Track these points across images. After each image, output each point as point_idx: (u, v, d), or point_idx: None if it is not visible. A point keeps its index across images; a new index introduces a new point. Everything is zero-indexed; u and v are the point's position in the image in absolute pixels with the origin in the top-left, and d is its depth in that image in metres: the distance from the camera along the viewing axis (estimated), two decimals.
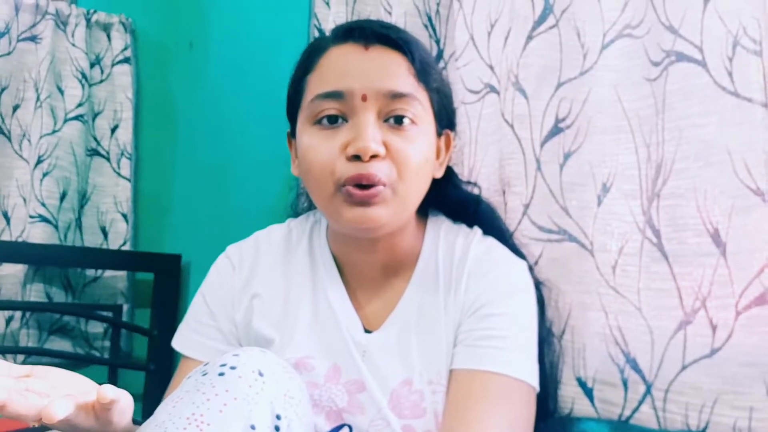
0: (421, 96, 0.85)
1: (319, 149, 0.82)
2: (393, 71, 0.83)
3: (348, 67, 0.83)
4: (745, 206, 0.77)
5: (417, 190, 0.85)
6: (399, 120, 0.82)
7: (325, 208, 0.85)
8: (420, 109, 0.84)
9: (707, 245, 0.80)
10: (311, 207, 1.04)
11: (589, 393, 0.91)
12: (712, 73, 0.80)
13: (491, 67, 1.09)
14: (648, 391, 0.83)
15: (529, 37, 1.00)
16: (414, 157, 0.82)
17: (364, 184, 0.79)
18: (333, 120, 0.82)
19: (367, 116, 0.81)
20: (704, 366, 0.78)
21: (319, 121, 0.83)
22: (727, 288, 0.78)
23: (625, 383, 0.86)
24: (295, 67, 0.91)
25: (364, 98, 0.81)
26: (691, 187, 0.82)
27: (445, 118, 0.91)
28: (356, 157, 0.79)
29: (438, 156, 0.91)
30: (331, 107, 0.82)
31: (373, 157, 0.79)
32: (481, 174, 1.08)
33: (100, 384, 0.65)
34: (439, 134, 0.90)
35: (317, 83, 0.84)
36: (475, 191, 1.01)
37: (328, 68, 0.85)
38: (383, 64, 0.84)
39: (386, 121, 0.82)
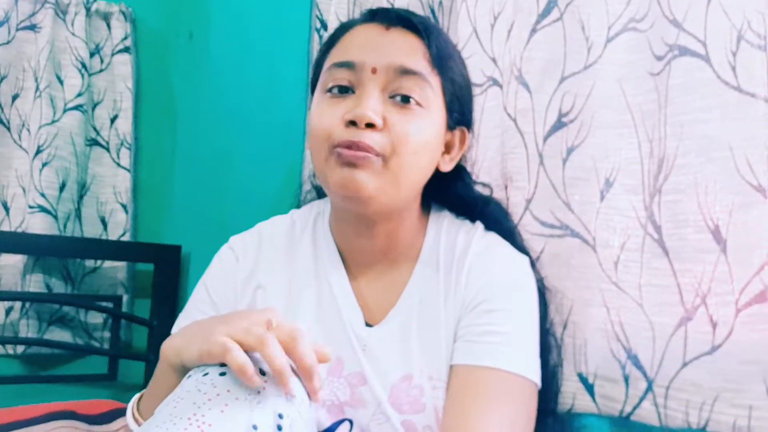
0: (433, 81, 0.85)
1: (323, 114, 0.84)
2: (407, 50, 0.84)
3: (365, 43, 0.86)
4: (746, 203, 0.76)
5: (413, 171, 0.84)
6: (405, 99, 0.83)
7: (319, 173, 0.86)
8: (429, 93, 0.84)
9: (708, 241, 0.79)
10: (315, 197, 1.04)
11: (590, 389, 0.90)
12: (715, 68, 0.79)
13: (494, 60, 1.08)
14: (649, 388, 0.83)
15: (533, 31, 0.99)
16: (412, 136, 0.82)
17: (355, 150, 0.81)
18: (343, 90, 0.84)
19: (372, 87, 0.82)
20: (704, 363, 0.78)
21: (330, 90, 0.85)
22: (727, 285, 0.77)
23: (626, 379, 0.86)
24: (323, 44, 0.93)
25: (373, 71, 0.83)
26: (693, 183, 0.81)
27: (458, 111, 0.89)
28: (353, 123, 0.81)
29: (449, 150, 0.91)
30: (342, 77, 0.84)
31: (370, 126, 0.80)
32: (483, 168, 1.08)
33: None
34: (451, 127, 0.89)
35: (335, 54, 0.87)
36: (486, 191, 1.00)
37: (348, 42, 0.87)
38: (399, 43, 0.85)
39: (393, 97, 0.83)
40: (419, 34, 0.86)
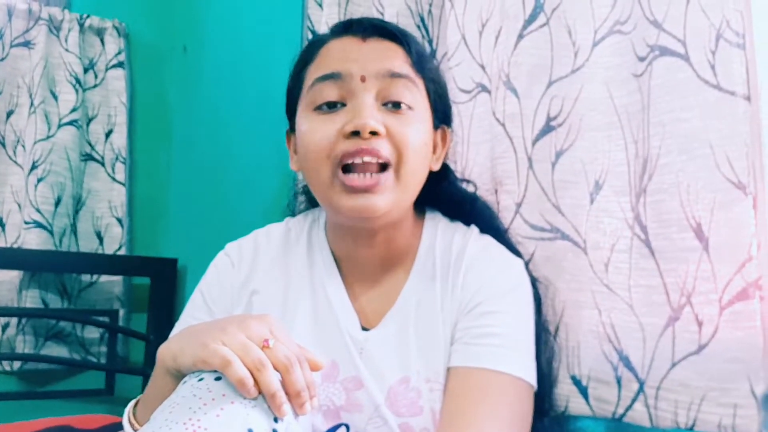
0: (418, 83, 0.86)
1: (318, 132, 0.83)
2: (390, 56, 0.86)
3: (347, 54, 0.85)
4: (727, 200, 0.76)
5: (417, 175, 0.86)
6: (397, 104, 0.84)
7: (323, 199, 0.86)
8: (417, 95, 0.86)
9: (690, 240, 0.79)
10: (308, 207, 1.04)
11: (583, 391, 0.90)
12: (695, 67, 0.80)
13: (482, 67, 1.09)
14: (641, 389, 0.83)
15: (520, 36, 1.00)
16: (413, 139, 0.83)
17: (364, 161, 0.80)
18: (332, 105, 0.84)
19: (366, 97, 0.82)
20: (692, 363, 0.78)
21: (318, 107, 0.84)
22: (711, 283, 0.77)
23: (618, 381, 0.86)
24: (295, 61, 0.92)
25: (362, 79, 0.83)
26: (675, 182, 0.81)
27: (441, 111, 0.92)
28: (355, 134, 0.80)
29: (435, 150, 0.92)
30: (330, 91, 0.84)
31: (373, 134, 0.80)
32: (473, 173, 1.08)
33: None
34: (435, 127, 0.91)
35: (316, 69, 0.87)
36: (470, 188, 1.01)
37: (327, 56, 0.87)
38: (381, 50, 0.86)
39: (384, 105, 0.84)
40: (397, 41, 0.87)
